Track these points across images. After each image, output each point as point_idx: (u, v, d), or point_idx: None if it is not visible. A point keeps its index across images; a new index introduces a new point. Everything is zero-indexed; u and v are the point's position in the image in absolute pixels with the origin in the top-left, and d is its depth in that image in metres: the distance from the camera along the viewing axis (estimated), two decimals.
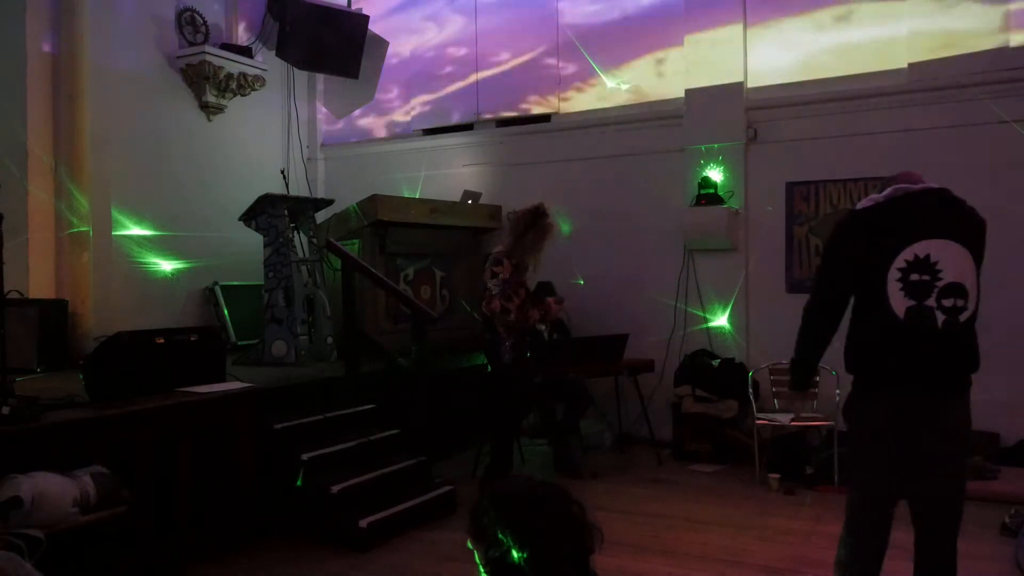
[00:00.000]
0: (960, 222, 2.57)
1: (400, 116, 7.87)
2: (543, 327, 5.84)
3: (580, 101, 6.91)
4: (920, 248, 2.50)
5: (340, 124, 8.11)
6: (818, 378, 3.63)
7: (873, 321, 2.59)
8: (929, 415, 2.56)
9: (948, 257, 2.50)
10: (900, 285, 2.52)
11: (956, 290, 2.50)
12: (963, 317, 2.52)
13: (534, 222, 5.11)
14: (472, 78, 7.36)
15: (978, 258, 2.56)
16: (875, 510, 2.74)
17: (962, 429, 2.63)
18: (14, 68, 5.71)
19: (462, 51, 7.44)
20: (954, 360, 2.56)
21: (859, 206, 2.69)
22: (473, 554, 1.79)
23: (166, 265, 6.53)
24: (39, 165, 5.75)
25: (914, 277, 2.51)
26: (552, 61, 7.00)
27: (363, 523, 4.08)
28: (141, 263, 6.37)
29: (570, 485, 1.94)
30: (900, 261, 2.51)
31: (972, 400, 2.71)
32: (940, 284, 2.50)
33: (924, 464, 2.60)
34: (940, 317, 2.50)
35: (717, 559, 3.87)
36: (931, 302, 2.50)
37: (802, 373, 2.89)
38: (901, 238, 2.53)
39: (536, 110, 7.09)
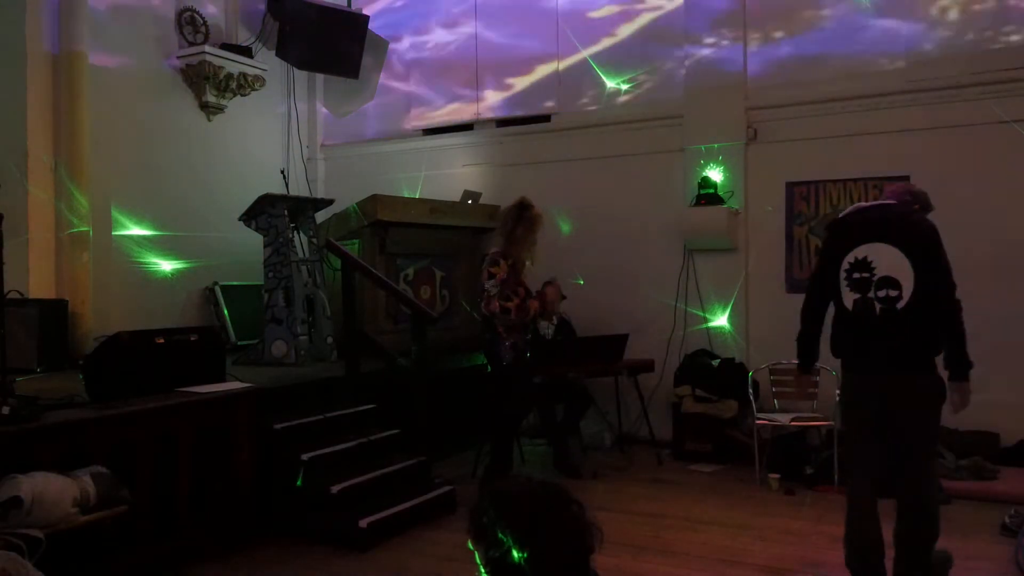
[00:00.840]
0: (899, 230, 3.07)
1: (400, 116, 7.86)
2: (548, 329, 5.81)
3: (580, 101, 6.91)
4: (860, 251, 3.09)
5: (340, 124, 8.10)
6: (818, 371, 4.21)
7: (837, 314, 3.18)
8: (886, 390, 3.02)
9: (882, 257, 3.04)
10: (847, 282, 3.11)
11: (888, 282, 3.02)
12: (900, 305, 3.01)
13: (520, 216, 5.09)
14: (472, 78, 7.36)
15: (920, 258, 3.01)
16: (865, 486, 3.12)
17: (926, 398, 3.02)
18: (14, 68, 5.71)
19: (462, 50, 7.43)
20: (898, 341, 3.01)
21: (832, 220, 3.32)
22: (473, 554, 1.79)
23: (166, 265, 6.52)
24: (39, 165, 5.74)
25: (856, 275, 3.09)
26: (552, 61, 7.00)
27: (363, 523, 4.08)
28: (141, 263, 6.37)
29: (570, 485, 1.94)
30: (845, 263, 3.12)
31: (972, 400, 3.06)
32: (875, 279, 3.04)
33: (894, 431, 3.04)
34: (878, 306, 3.04)
35: (717, 559, 3.87)
36: (871, 294, 3.06)
37: (800, 347, 3.36)
38: (848, 244, 3.13)
39: (536, 110, 7.09)
